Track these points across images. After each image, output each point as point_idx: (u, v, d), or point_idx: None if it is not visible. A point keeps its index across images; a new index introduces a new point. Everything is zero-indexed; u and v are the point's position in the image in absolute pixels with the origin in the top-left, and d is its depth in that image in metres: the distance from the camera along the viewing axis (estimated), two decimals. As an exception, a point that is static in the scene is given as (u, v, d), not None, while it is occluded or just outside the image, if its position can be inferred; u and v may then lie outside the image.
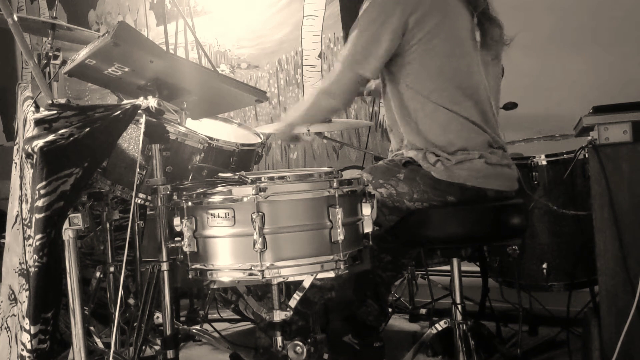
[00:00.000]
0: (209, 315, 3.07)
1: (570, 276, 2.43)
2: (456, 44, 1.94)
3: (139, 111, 1.66)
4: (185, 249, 1.58)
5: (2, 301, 1.96)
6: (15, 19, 1.60)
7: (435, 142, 1.92)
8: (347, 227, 1.55)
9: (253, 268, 1.50)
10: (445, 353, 2.10)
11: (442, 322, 2.04)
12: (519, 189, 2.03)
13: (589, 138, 1.74)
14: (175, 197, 1.64)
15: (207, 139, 2.09)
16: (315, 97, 2.05)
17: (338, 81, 1.98)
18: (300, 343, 1.60)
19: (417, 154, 1.93)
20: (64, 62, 2.45)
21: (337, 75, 1.98)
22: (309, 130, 2.31)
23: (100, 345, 2.40)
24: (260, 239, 1.48)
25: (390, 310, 2.96)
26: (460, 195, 1.89)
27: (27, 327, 1.50)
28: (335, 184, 1.54)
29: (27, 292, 1.52)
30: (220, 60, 4.39)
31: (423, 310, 3.04)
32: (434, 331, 2.06)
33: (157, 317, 2.25)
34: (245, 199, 1.50)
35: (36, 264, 1.48)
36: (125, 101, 1.69)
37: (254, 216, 1.48)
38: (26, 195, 1.67)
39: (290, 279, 1.56)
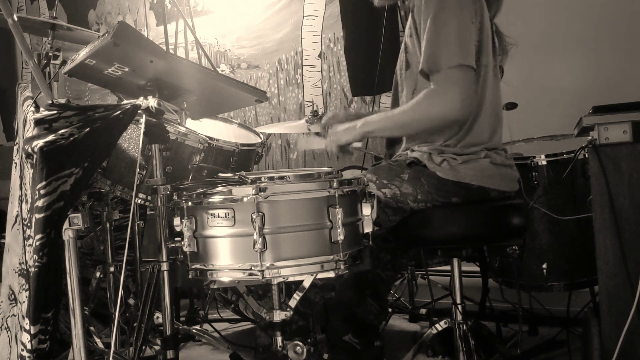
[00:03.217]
0: (209, 315, 3.08)
1: (570, 276, 2.43)
2: (489, 43, 1.93)
3: (139, 111, 1.66)
4: (185, 249, 1.58)
5: (2, 301, 1.96)
6: (15, 19, 1.60)
7: (482, 140, 1.93)
8: (347, 227, 1.55)
9: (253, 268, 1.50)
10: (445, 353, 2.10)
11: (442, 322, 2.04)
12: (518, 189, 2.04)
13: (589, 138, 1.74)
14: (175, 197, 1.63)
15: (207, 139, 2.09)
16: (419, 102, 1.83)
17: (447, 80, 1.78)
18: (300, 343, 1.60)
19: (423, 154, 1.92)
20: (64, 62, 2.45)
21: (440, 79, 1.79)
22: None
23: (100, 345, 2.40)
24: (260, 239, 1.48)
25: (390, 310, 2.96)
26: (464, 195, 1.89)
27: (27, 327, 1.50)
28: (335, 184, 1.54)
29: (27, 292, 1.52)
30: (220, 60, 4.39)
31: (423, 310, 3.04)
32: (434, 331, 2.06)
33: (157, 317, 2.25)
34: (245, 199, 1.50)
35: (36, 264, 1.48)
36: (125, 101, 1.69)
37: (254, 216, 1.47)
38: (26, 195, 1.67)
39: (290, 279, 1.56)
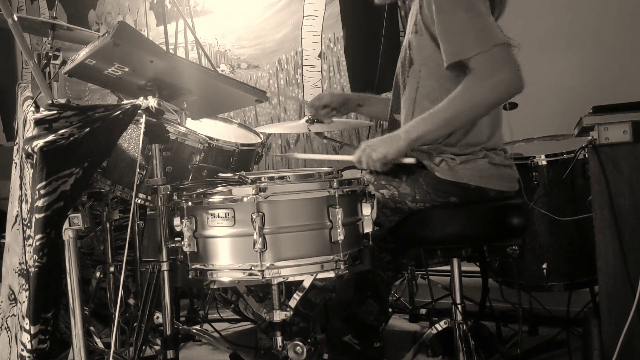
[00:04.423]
0: (209, 315, 3.08)
1: (570, 276, 2.43)
2: None
3: (139, 111, 1.66)
4: (185, 249, 1.58)
5: (2, 301, 1.96)
6: (15, 19, 1.60)
7: (481, 140, 1.92)
8: (347, 227, 1.55)
9: (253, 268, 1.50)
10: (445, 353, 2.11)
11: (442, 322, 2.04)
12: (518, 189, 2.04)
13: (589, 138, 1.74)
14: (175, 197, 1.64)
15: (207, 139, 2.09)
16: (466, 91, 1.76)
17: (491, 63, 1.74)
18: (300, 343, 1.60)
19: (421, 154, 1.92)
20: (64, 62, 2.45)
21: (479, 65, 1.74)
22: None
23: (100, 345, 2.40)
24: (260, 239, 1.48)
25: (390, 310, 2.97)
26: (463, 195, 1.89)
27: (27, 327, 1.50)
28: (335, 184, 1.54)
29: (27, 292, 1.52)
30: (220, 60, 4.39)
31: (423, 310, 3.04)
32: (434, 331, 2.06)
33: (157, 317, 2.26)
34: (245, 199, 1.50)
35: (36, 264, 1.48)
36: (125, 101, 1.70)
37: (254, 216, 1.47)
38: (26, 195, 1.67)
39: (290, 279, 1.56)
